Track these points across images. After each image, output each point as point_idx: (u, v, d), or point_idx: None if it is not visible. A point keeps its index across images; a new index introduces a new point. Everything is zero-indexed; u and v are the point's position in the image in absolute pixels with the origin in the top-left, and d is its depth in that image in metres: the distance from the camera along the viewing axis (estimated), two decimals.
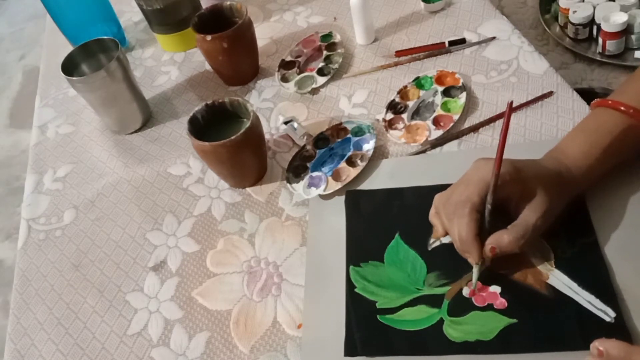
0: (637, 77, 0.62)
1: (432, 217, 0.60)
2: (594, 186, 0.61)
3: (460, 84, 0.76)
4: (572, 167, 0.57)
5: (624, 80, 0.64)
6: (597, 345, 0.47)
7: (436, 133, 0.72)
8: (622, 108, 0.58)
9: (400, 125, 0.75)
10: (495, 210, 0.55)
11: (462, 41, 0.84)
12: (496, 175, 0.53)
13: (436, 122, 0.74)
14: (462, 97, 0.75)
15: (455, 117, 0.73)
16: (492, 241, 0.54)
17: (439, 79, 0.78)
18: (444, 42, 0.84)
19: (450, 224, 0.56)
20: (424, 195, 0.65)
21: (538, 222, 0.54)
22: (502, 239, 0.54)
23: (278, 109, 0.83)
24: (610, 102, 0.59)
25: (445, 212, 0.57)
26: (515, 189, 0.55)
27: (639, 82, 0.62)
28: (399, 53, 0.85)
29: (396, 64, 0.84)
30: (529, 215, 0.54)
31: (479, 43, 0.83)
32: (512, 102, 0.51)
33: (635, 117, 0.57)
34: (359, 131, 0.74)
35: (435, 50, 0.84)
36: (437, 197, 0.59)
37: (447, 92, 0.77)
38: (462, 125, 0.73)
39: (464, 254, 0.57)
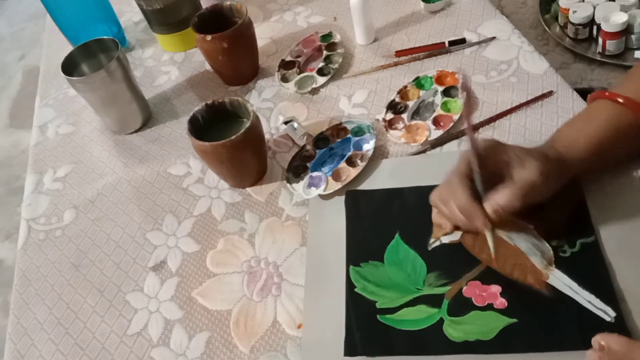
0: (633, 72, 0.63)
1: (435, 217, 0.60)
2: (594, 187, 0.61)
3: (460, 84, 0.76)
4: (562, 152, 0.58)
5: (621, 77, 0.64)
6: (599, 339, 0.47)
7: (436, 133, 0.72)
8: (619, 100, 0.58)
9: (400, 125, 0.75)
10: (490, 186, 0.55)
11: (462, 41, 0.84)
12: (470, 129, 0.53)
13: (436, 122, 0.74)
14: (462, 97, 0.75)
15: (455, 117, 0.73)
16: (492, 199, 0.54)
17: (439, 79, 0.78)
18: (444, 42, 0.84)
19: (449, 206, 0.56)
20: (424, 195, 0.65)
21: (534, 178, 0.54)
22: (500, 195, 0.54)
23: (278, 109, 0.83)
24: (607, 94, 0.60)
25: (440, 199, 0.57)
26: (502, 156, 0.55)
27: (633, 74, 0.63)
28: (399, 53, 0.85)
29: (396, 64, 0.84)
30: (524, 172, 0.54)
31: (479, 43, 0.83)
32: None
33: (629, 106, 0.58)
34: (359, 131, 0.74)
35: (435, 50, 0.84)
36: (432, 195, 0.59)
37: (447, 92, 0.77)
38: (462, 125, 0.73)
39: (471, 221, 0.56)
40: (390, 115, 0.76)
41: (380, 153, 0.73)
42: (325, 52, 0.88)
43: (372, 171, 0.71)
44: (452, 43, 0.84)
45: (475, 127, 0.72)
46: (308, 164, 0.73)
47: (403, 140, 0.73)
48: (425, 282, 0.59)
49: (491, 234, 0.56)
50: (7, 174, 2.14)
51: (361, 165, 0.70)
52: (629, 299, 0.53)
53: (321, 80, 0.84)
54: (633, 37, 1.19)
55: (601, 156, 0.59)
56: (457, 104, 0.75)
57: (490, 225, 0.55)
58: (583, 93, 0.73)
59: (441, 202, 0.57)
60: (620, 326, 0.51)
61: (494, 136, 0.71)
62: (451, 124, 0.72)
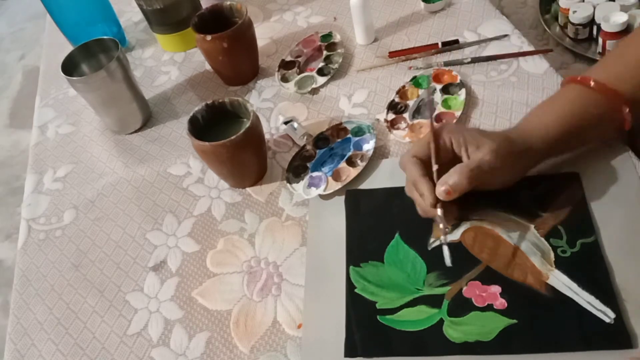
0: (608, 55, 0.65)
1: (418, 204, 0.61)
2: (594, 187, 0.61)
3: (458, 81, 0.76)
4: (528, 134, 0.58)
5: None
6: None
7: None
8: (591, 83, 0.59)
9: (403, 125, 0.75)
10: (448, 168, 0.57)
11: (455, 42, 0.84)
12: (432, 131, 0.58)
13: (438, 119, 0.73)
14: (462, 94, 0.75)
15: (457, 113, 0.73)
16: (442, 180, 0.56)
17: (436, 77, 0.78)
18: (437, 43, 0.84)
19: (407, 184, 0.60)
20: None
21: (486, 157, 0.55)
22: (450, 175, 0.56)
23: (278, 109, 0.83)
24: (579, 78, 0.61)
25: (407, 188, 0.60)
26: (457, 138, 0.57)
27: (605, 59, 0.64)
28: (392, 54, 0.85)
29: (398, 62, 0.84)
30: (477, 153, 0.56)
31: (483, 41, 0.83)
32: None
33: (599, 91, 0.58)
34: (359, 131, 0.74)
35: (431, 50, 0.84)
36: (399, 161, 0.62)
37: (445, 90, 0.77)
38: (464, 122, 0.73)
39: (420, 197, 0.58)
40: (391, 116, 0.76)
41: (380, 153, 0.73)
42: (325, 52, 0.88)
43: (372, 171, 0.71)
44: (445, 44, 0.84)
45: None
46: (308, 164, 0.73)
47: (408, 140, 0.73)
48: (425, 283, 0.59)
49: (442, 216, 0.57)
50: (7, 174, 2.14)
51: (361, 165, 0.70)
52: (629, 300, 0.53)
53: (321, 80, 0.84)
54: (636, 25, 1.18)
55: (569, 139, 0.60)
56: (457, 100, 0.75)
57: (440, 205, 0.56)
58: None
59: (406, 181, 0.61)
60: (619, 327, 0.51)
61: None
62: (454, 121, 0.72)
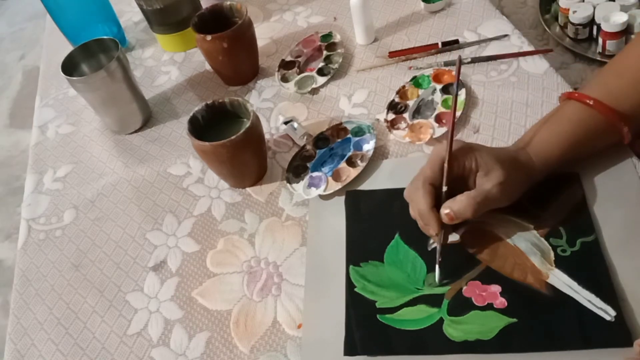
0: (603, 71, 0.64)
1: (411, 210, 0.61)
2: (594, 186, 0.61)
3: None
4: (531, 153, 0.59)
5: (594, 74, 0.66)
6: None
7: (440, 130, 0.72)
8: (589, 102, 0.59)
9: (403, 125, 0.75)
10: (455, 191, 0.57)
11: (455, 42, 0.84)
12: (449, 146, 0.56)
13: (438, 119, 0.74)
14: (462, 94, 0.75)
15: (457, 113, 0.73)
16: (447, 205, 0.56)
17: (437, 77, 0.78)
18: (437, 43, 0.84)
19: (412, 204, 0.59)
20: None
21: (493, 190, 0.56)
22: (455, 202, 0.56)
23: (278, 109, 0.83)
24: (576, 95, 0.61)
25: (408, 196, 0.59)
26: (469, 162, 0.57)
27: (604, 74, 0.64)
28: (392, 54, 0.85)
29: (398, 62, 0.84)
30: (485, 183, 0.56)
31: (483, 41, 0.83)
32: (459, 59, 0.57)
33: (597, 108, 0.59)
34: (359, 131, 0.74)
35: (431, 50, 0.84)
36: (404, 192, 0.60)
37: (446, 90, 0.77)
38: (464, 122, 0.73)
39: (425, 227, 0.58)
40: (391, 116, 0.76)
41: (380, 153, 0.73)
42: (325, 52, 0.88)
43: (372, 171, 0.71)
44: (445, 44, 0.84)
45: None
46: (308, 164, 0.73)
47: (407, 140, 0.73)
48: (425, 282, 0.59)
49: (440, 242, 0.58)
50: (7, 174, 2.14)
51: (361, 165, 0.70)
52: (629, 298, 0.53)
53: (321, 80, 0.84)
54: (633, 37, 1.18)
55: (571, 157, 0.60)
56: (458, 100, 0.74)
57: (442, 234, 0.57)
58: None
59: (408, 198, 0.60)
60: (620, 325, 0.51)
61: (494, 136, 0.71)
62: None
